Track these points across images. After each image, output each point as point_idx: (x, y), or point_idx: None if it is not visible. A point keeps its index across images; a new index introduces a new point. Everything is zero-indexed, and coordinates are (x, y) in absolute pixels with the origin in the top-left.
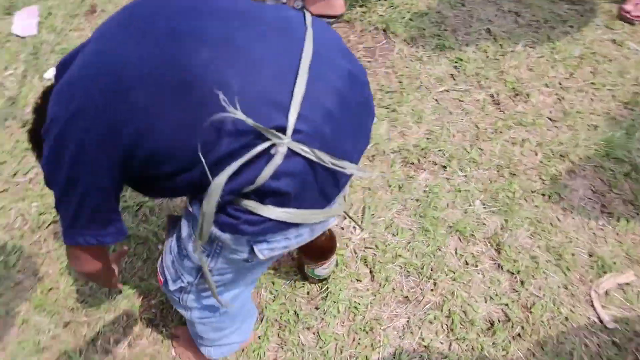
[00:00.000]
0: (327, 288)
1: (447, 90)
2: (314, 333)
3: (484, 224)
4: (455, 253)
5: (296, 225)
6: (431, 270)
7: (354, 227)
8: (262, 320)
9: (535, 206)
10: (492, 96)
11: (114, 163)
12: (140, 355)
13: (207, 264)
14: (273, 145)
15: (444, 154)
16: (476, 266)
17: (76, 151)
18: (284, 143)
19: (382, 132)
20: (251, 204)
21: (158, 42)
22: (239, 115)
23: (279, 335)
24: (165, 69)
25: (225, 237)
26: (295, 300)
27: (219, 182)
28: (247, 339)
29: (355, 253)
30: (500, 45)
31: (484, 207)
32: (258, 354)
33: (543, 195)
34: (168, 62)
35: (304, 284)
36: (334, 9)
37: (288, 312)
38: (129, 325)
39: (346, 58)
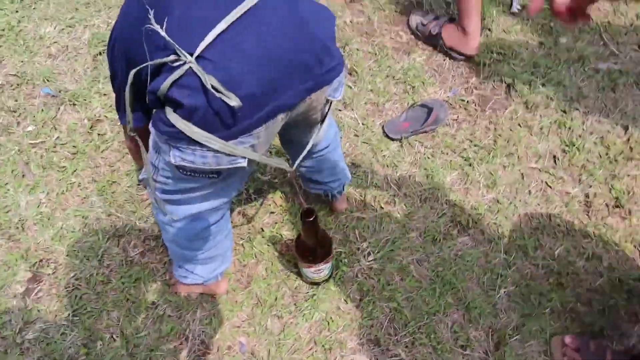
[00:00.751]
0: (315, 294)
1: (539, 169)
2: (281, 324)
3: (498, 315)
4: (451, 327)
5: (201, 145)
6: (417, 329)
7: (368, 253)
8: (245, 289)
9: None
10: (587, 196)
11: (125, 63)
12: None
13: (154, 159)
14: (183, 63)
15: (498, 229)
16: (465, 350)
17: (109, 54)
18: (186, 61)
19: (447, 181)
20: (167, 109)
21: None
22: (161, 31)
23: (252, 309)
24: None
25: (154, 133)
26: (281, 288)
27: (130, 74)
28: (210, 280)
29: (357, 277)
30: (631, 148)
31: (508, 300)
32: (228, 315)
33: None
34: None
35: (297, 278)
36: (467, 49)
37: (270, 294)
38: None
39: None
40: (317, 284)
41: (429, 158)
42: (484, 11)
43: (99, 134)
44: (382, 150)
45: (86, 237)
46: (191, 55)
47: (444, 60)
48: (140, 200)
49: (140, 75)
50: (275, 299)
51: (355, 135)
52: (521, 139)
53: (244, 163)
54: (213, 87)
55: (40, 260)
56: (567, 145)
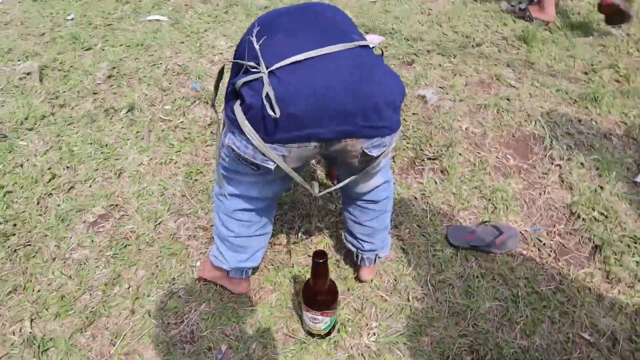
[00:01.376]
0: (305, 344)
1: (590, 342)
2: (262, 353)
3: None
4: None
5: (246, 137)
6: None
7: (373, 333)
8: (249, 307)
9: None
10: None
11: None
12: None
13: (223, 137)
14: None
15: None
16: None
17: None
18: (260, 71)
19: (484, 306)
20: (236, 102)
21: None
22: (254, 43)
23: (247, 327)
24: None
25: (224, 115)
26: (279, 323)
27: (220, 68)
28: (234, 271)
29: (351, 349)
30: None
31: None
32: (224, 321)
33: None
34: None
35: (298, 322)
36: (547, 16)
37: (268, 323)
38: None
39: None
40: (312, 335)
41: (477, 277)
42: (605, 173)
43: (211, 132)
44: (435, 250)
45: (156, 204)
46: (267, 69)
47: (540, 196)
48: (210, 196)
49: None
50: (269, 329)
51: (418, 226)
52: (585, 304)
53: (272, 166)
54: (267, 96)
55: (116, 205)
56: (637, 336)
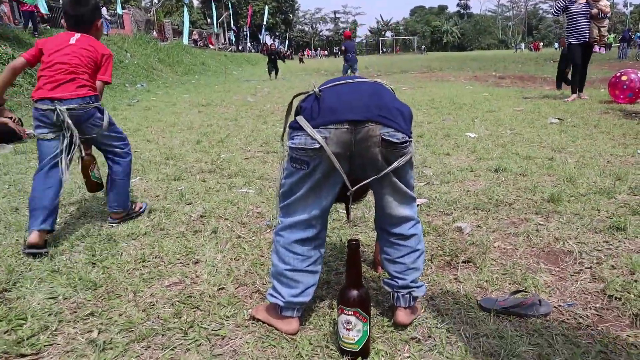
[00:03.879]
0: None
1: None
2: None
3: None
4: None
5: (301, 130)
6: None
7: None
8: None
9: None
10: None
11: None
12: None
13: (283, 163)
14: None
15: None
16: None
17: None
18: (314, 90)
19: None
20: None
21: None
22: (314, 88)
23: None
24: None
25: (288, 131)
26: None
27: (289, 102)
28: (287, 307)
29: None
30: None
31: None
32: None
33: None
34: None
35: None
36: None
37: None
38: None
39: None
40: (345, 352)
41: (511, 331)
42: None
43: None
44: (469, 313)
45: (222, 278)
46: (318, 88)
47: (572, 285)
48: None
49: None
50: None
51: (452, 299)
52: (632, 356)
53: (317, 145)
54: (316, 95)
55: (189, 277)
56: None
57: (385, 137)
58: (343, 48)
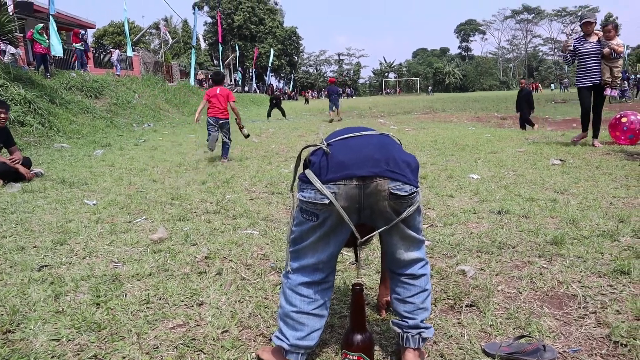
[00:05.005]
0: None
1: None
2: None
3: None
4: None
5: (311, 184)
6: None
7: None
8: None
9: None
10: None
11: None
12: None
13: (294, 211)
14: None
15: None
16: None
17: None
18: (322, 145)
19: None
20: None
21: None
22: (320, 134)
23: None
24: None
25: (297, 182)
26: None
27: (299, 154)
28: (291, 351)
29: None
30: None
31: None
32: None
33: None
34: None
35: None
36: None
37: None
38: None
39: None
40: None
41: None
42: None
43: (280, 282)
44: (472, 358)
45: (226, 321)
46: (326, 142)
47: (576, 330)
48: (274, 314)
49: None
50: None
51: (455, 343)
52: None
53: (326, 201)
54: (324, 151)
55: (193, 319)
56: None
57: (394, 192)
58: (326, 92)
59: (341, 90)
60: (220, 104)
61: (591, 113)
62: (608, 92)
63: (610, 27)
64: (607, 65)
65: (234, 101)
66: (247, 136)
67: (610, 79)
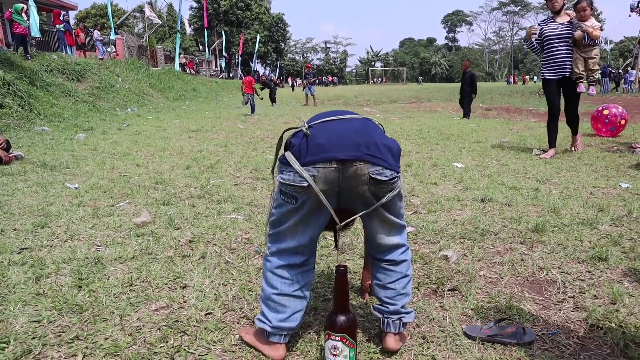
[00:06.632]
0: None
1: None
2: None
3: None
4: None
5: (290, 166)
6: None
7: None
8: None
9: None
10: None
11: None
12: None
13: (274, 193)
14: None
15: None
16: None
17: None
18: (303, 128)
19: None
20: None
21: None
22: (303, 124)
23: None
24: None
25: (278, 164)
26: None
27: (280, 137)
28: (274, 332)
29: None
30: None
31: None
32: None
33: None
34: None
35: None
36: None
37: None
38: None
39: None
40: None
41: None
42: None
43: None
44: (454, 340)
45: (209, 303)
46: (308, 125)
47: (555, 314)
48: (257, 296)
49: None
50: None
51: (437, 326)
52: None
53: (305, 183)
54: (304, 133)
55: (177, 302)
56: None
57: (374, 176)
58: (305, 74)
59: (312, 75)
60: (248, 85)
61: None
62: (582, 88)
63: (585, 4)
64: (580, 54)
65: (253, 85)
66: (261, 98)
67: (584, 73)
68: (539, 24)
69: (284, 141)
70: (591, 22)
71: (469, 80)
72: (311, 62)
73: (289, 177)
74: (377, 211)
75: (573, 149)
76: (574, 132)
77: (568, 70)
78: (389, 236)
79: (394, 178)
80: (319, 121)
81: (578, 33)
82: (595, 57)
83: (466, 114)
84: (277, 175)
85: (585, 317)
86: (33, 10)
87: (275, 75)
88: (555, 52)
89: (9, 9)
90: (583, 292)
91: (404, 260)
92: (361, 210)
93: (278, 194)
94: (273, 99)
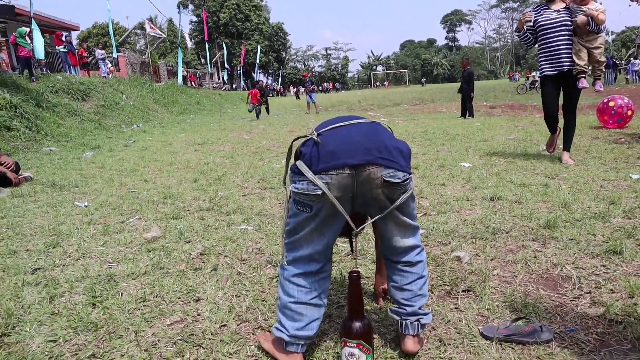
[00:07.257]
0: None
1: None
2: None
3: None
4: None
5: (303, 175)
6: None
7: None
8: None
9: None
10: None
11: None
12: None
13: (287, 202)
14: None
15: None
16: None
17: None
18: (312, 135)
19: None
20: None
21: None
22: (312, 132)
23: None
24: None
25: (290, 174)
26: None
27: (289, 146)
28: (291, 341)
29: None
30: None
31: None
32: None
33: None
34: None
35: None
36: None
37: None
38: None
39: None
40: None
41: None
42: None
43: (277, 277)
44: (471, 341)
45: (223, 315)
46: (317, 132)
47: (572, 310)
48: (272, 306)
49: None
50: None
51: (454, 328)
52: None
53: (319, 192)
54: (315, 141)
55: (191, 315)
56: None
57: (387, 179)
58: (303, 82)
59: (311, 82)
60: (253, 97)
61: (566, 114)
62: (584, 84)
63: None
64: (583, 45)
65: (258, 96)
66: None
67: (588, 66)
68: (532, 11)
69: (293, 150)
70: (594, 6)
71: (467, 78)
72: (312, 70)
73: (303, 186)
74: (392, 214)
75: (562, 159)
76: (567, 146)
77: (567, 63)
78: (403, 238)
79: (407, 179)
80: (327, 128)
81: (581, 18)
82: (600, 47)
83: (469, 114)
84: (289, 185)
85: (603, 312)
86: (37, 32)
87: (277, 84)
88: (551, 44)
89: (14, 33)
90: (599, 287)
91: (420, 261)
92: (376, 213)
93: (292, 203)
94: (266, 108)
